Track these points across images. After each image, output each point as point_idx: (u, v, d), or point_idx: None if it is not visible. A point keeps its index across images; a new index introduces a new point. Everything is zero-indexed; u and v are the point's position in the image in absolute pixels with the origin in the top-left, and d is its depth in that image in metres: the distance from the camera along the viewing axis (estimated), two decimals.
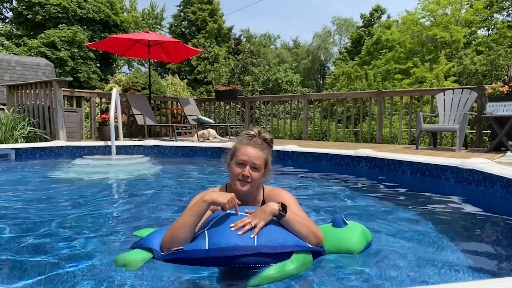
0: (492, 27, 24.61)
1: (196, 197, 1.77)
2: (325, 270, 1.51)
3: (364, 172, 4.13)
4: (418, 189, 3.32)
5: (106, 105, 8.05)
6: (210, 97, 10.96)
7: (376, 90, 7.17)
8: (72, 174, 4.06)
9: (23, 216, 2.37)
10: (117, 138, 5.93)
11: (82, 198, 2.95)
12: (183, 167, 4.97)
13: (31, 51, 19.76)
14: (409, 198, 2.98)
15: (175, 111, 9.61)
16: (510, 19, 24.20)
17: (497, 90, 5.11)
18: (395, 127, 9.90)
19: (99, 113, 7.78)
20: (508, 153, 4.76)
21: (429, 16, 23.19)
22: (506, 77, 5.20)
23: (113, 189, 3.54)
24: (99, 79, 22.53)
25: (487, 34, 25.19)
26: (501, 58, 17.66)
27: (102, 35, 22.93)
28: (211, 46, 29.01)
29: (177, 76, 18.29)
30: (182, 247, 1.49)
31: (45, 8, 21.18)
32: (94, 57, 22.57)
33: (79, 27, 22.13)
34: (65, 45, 20.67)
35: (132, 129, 8.35)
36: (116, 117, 6.09)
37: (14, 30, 21.98)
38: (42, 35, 20.44)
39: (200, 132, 7.46)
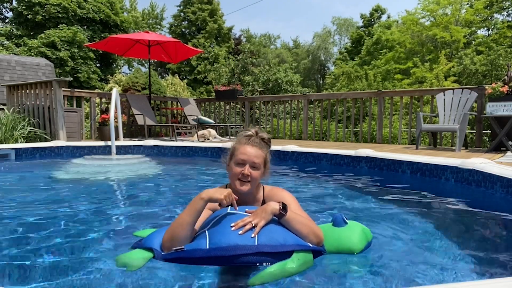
0: (492, 27, 24.62)
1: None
2: (325, 269, 1.51)
3: (364, 172, 4.12)
4: (418, 189, 3.32)
5: (106, 105, 8.05)
6: (210, 97, 10.96)
7: (376, 90, 7.18)
8: (72, 174, 4.06)
9: (22, 216, 2.37)
10: (117, 138, 5.93)
11: (82, 198, 2.95)
12: (183, 167, 4.97)
13: (31, 51, 19.77)
14: (409, 198, 2.98)
15: (175, 111, 9.61)
16: (510, 19, 24.21)
17: (497, 90, 5.11)
18: (395, 127, 9.90)
19: (99, 113, 7.78)
20: (508, 153, 4.77)
21: (429, 16, 23.20)
22: (506, 77, 5.20)
23: (113, 189, 3.54)
24: (99, 79, 22.54)
25: (487, 34, 25.20)
26: (501, 58, 17.66)
27: (102, 35, 22.94)
28: (211, 46, 29.02)
29: (177, 76, 18.30)
30: (182, 247, 1.49)
31: (45, 8, 21.18)
32: (94, 57, 22.58)
33: (79, 27, 22.14)
34: (65, 45, 20.68)
35: (132, 129, 8.35)
36: (116, 117, 6.09)
37: (14, 30, 21.99)
38: (42, 35, 20.45)
39: (200, 132, 7.46)
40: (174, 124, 7.46)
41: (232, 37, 33.06)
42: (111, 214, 2.52)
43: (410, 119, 6.84)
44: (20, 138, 5.98)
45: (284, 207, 1.57)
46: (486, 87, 5.57)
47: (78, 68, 21.11)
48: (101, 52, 22.56)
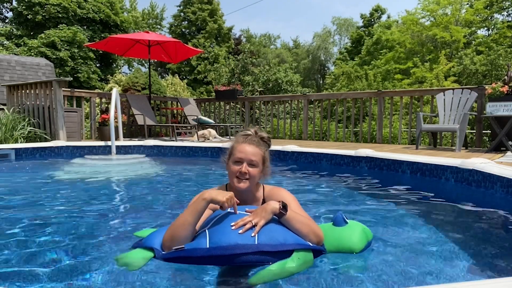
0: (492, 27, 24.63)
1: (196, 197, 1.78)
2: (325, 268, 1.52)
3: (364, 172, 4.13)
4: (418, 189, 3.32)
5: (106, 105, 8.05)
6: (210, 97, 10.96)
7: (376, 90, 7.18)
8: (72, 174, 4.07)
9: (22, 216, 2.37)
10: (117, 138, 5.93)
11: (82, 198, 2.95)
12: (183, 167, 4.97)
13: (31, 51, 19.77)
14: (409, 198, 2.98)
15: (175, 111, 9.61)
16: (510, 19, 24.22)
17: (497, 90, 5.11)
18: (395, 127, 9.90)
19: (99, 113, 7.78)
20: (508, 153, 4.77)
21: (429, 16, 23.20)
22: (506, 77, 5.20)
23: (113, 189, 3.54)
24: (99, 79, 22.54)
25: (487, 34, 25.20)
26: (501, 58, 17.67)
27: (102, 35, 22.94)
28: (211, 46, 29.02)
29: (177, 76, 18.30)
30: (183, 246, 1.49)
31: (45, 8, 21.19)
32: (94, 57, 22.59)
33: (79, 27, 22.14)
34: (65, 45, 20.68)
35: (132, 129, 8.35)
36: (116, 117, 6.09)
37: (14, 30, 21.99)
38: (42, 35, 20.45)
39: (200, 132, 7.46)
40: (174, 124, 7.46)
41: (232, 37, 33.06)
42: (111, 214, 2.52)
43: (410, 119, 6.84)
44: (20, 138, 5.98)
45: (284, 206, 1.57)
46: (486, 87, 5.57)
47: (78, 68, 21.12)
48: (101, 52, 22.57)
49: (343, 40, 44.42)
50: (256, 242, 1.45)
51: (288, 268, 1.42)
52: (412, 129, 7.11)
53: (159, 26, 37.88)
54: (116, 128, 6.00)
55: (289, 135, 8.67)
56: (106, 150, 5.70)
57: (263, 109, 10.66)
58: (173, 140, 6.77)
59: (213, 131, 7.66)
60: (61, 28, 21.10)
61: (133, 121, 7.89)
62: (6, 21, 25.50)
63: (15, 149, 5.14)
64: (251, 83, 16.74)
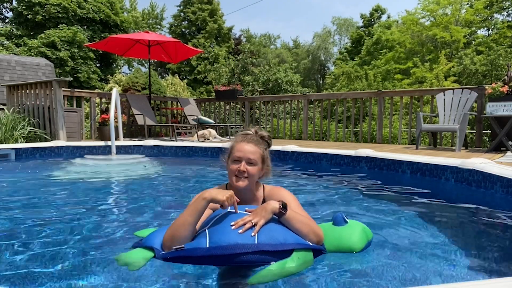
0: (492, 27, 24.62)
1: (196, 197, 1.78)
2: (325, 268, 1.52)
3: (364, 172, 4.13)
4: (418, 189, 3.32)
5: (106, 105, 8.05)
6: (210, 97, 10.96)
7: (376, 90, 7.18)
8: (72, 174, 4.07)
9: (22, 216, 2.37)
10: (117, 138, 5.93)
11: (82, 198, 2.95)
12: (183, 167, 4.97)
13: (31, 51, 19.77)
14: (409, 198, 2.98)
15: (175, 111, 9.61)
16: (510, 19, 24.21)
17: (497, 90, 5.11)
18: (395, 127, 9.90)
19: (99, 113, 7.78)
20: (508, 153, 4.77)
21: (429, 16, 23.20)
22: (506, 77, 5.20)
23: (113, 189, 3.54)
24: (99, 79, 22.54)
25: (487, 34, 25.20)
26: (501, 58, 17.67)
27: (102, 35, 22.94)
28: (211, 46, 29.02)
29: (177, 76, 18.30)
30: (183, 246, 1.49)
31: (45, 8, 21.19)
32: (94, 57, 22.58)
33: (79, 27, 22.14)
34: (65, 45, 20.68)
35: (132, 129, 8.35)
36: (116, 117, 6.09)
37: (14, 30, 21.99)
38: (42, 35, 20.45)
39: (200, 132, 7.46)
40: (174, 124, 7.46)
41: (232, 37, 33.06)
42: (111, 214, 2.52)
43: (410, 119, 6.84)
44: (20, 138, 5.98)
45: (284, 206, 1.57)
46: (486, 87, 5.57)
47: (78, 68, 21.11)
48: (101, 52, 22.56)
49: (343, 40, 44.45)
50: (256, 242, 1.45)
51: (288, 268, 1.42)
52: (412, 129, 7.11)
53: (159, 26, 37.88)
54: (116, 128, 6.00)
55: (289, 135, 8.67)
56: (106, 150, 5.70)
57: (263, 109, 10.66)
58: (173, 140, 6.77)
59: (213, 131, 7.66)
60: (61, 28, 21.10)
61: (133, 121, 7.89)
62: (6, 21, 25.51)
63: (15, 149, 5.14)
64: (251, 83, 16.74)
